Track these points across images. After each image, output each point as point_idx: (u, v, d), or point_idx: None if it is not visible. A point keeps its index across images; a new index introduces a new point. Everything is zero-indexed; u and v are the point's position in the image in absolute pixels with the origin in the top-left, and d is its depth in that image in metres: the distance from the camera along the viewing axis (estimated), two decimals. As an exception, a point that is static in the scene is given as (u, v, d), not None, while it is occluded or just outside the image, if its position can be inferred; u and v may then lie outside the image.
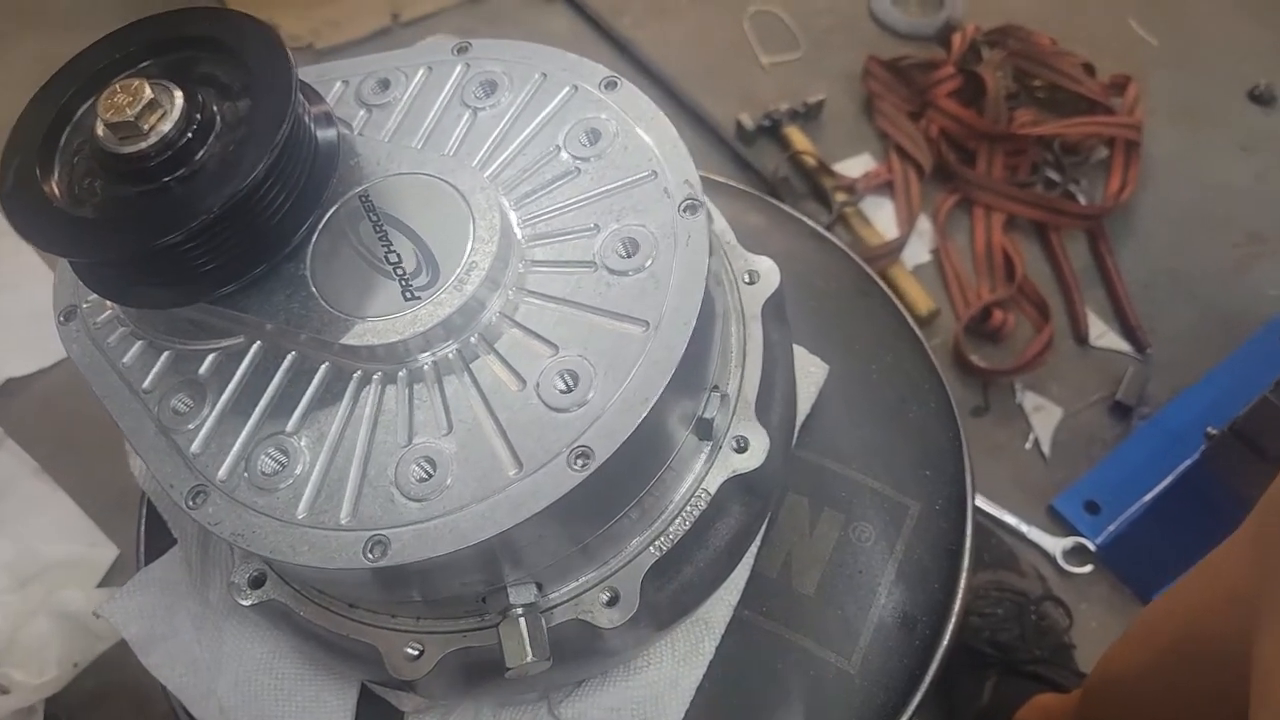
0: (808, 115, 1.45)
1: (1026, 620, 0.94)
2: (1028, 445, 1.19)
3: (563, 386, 0.36)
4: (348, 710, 0.46)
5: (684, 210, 0.39)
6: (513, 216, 0.40)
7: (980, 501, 1.13)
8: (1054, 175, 1.38)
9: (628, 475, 0.38)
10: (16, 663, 0.90)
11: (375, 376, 0.38)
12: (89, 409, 1.19)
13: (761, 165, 1.39)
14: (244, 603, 0.43)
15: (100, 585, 0.99)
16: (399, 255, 0.39)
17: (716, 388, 0.42)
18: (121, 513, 1.05)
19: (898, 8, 1.58)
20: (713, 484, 0.42)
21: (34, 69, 1.49)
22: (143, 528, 0.52)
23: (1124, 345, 1.25)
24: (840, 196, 1.36)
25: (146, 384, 0.39)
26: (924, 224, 1.36)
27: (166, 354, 0.40)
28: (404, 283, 0.38)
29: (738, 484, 0.43)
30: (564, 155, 0.41)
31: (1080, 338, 1.26)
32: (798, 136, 1.41)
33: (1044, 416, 1.21)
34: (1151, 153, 1.42)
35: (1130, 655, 0.60)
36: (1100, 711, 0.66)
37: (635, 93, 0.43)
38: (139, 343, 0.41)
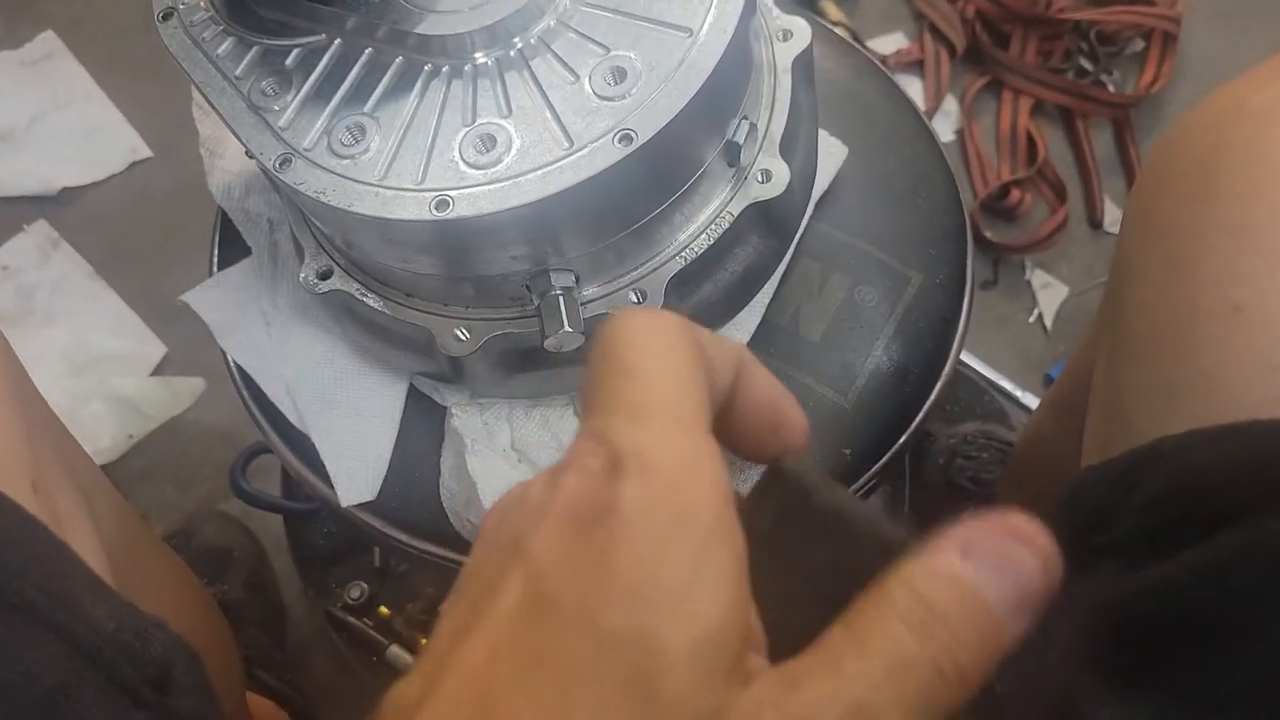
0: (846, -10, 1.45)
1: (1009, 465, 0.99)
2: (1031, 319, 1.23)
3: (611, 80, 0.41)
4: (398, 399, 0.52)
5: (729, -62, 0.43)
6: (573, -62, 0.44)
7: (978, 365, 1.18)
8: (1087, 64, 1.39)
9: (662, 172, 0.43)
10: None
11: (444, 70, 0.43)
12: (136, 226, 1.25)
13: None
14: (317, 291, 0.48)
15: (150, 375, 1.06)
16: (469, -38, 0.43)
17: (746, 118, 0.46)
18: (167, 319, 1.12)
19: (945, -112, 1.56)
20: (736, 207, 0.47)
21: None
22: (216, 249, 0.58)
23: (1137, 233, 1.28)
24: (871, 71, 1.38)
25: (239, 72, 0.44)
26: (950, 105, 1.38)
27: (255, 49, 0.45)
28: (474, -16, 0.42)
29: (757, 213, 0.48)
30: (622, -111, 0.45)
31: (1095, 223, 1.29)
32: (832, 9, 1.43)
33: (1050, 294, 1.25)
34: (1188, 50, 1.42)
35: (1021, 439, 0.67)
36: (1018, 470, 0.73)
37: None
38: (230, 39, 0.45)
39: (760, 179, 0.47)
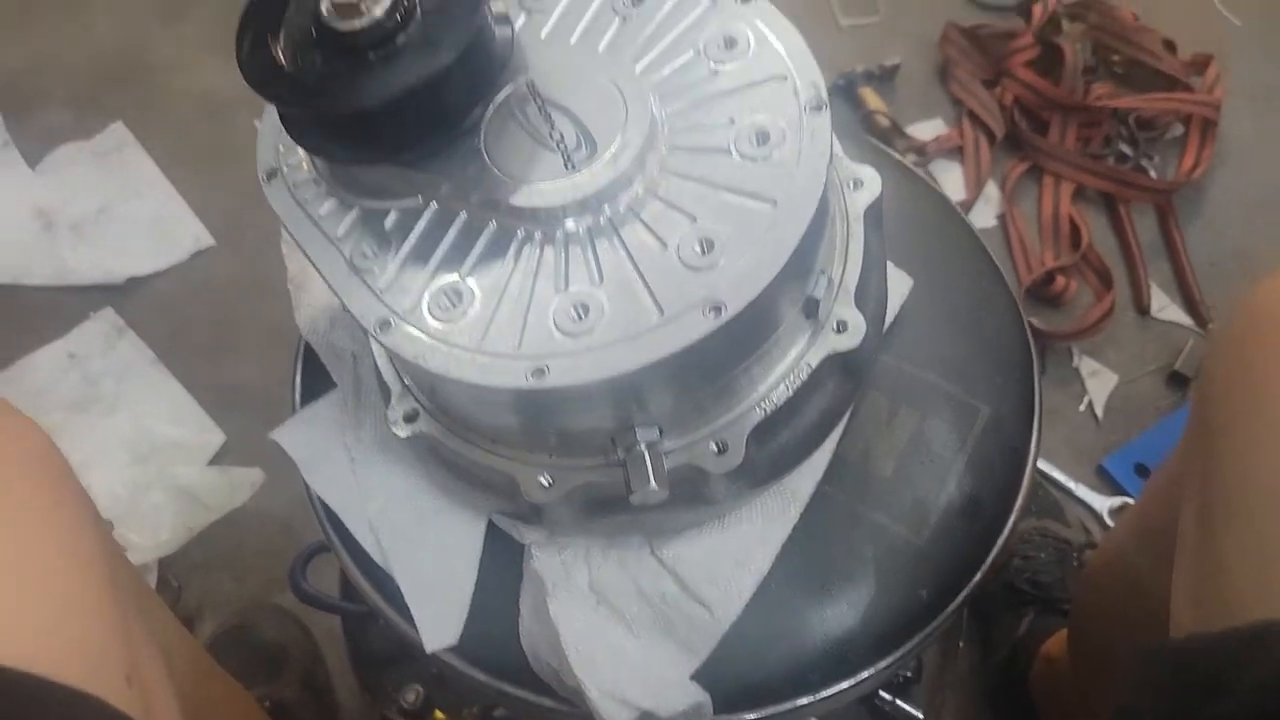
0: (883, 78, 1.48)
1: (1068, 565, 0.98)
2: (1081, 408, 1.22)
3: (700, 250, 0.42)
4: (477, 537, 0.53)
5: (810, 109, 0.45)
6: (658, 107, 0.46)
7: (1031, 455, 1.17)
8: (1127, 149, 1.41)
9: (746, 336, 0.44)
10: (134, 527, 0.99)
11: (536, 236, 0.44)
12: (198, 314, 1.28)
13: (835, 123, 1.43)
14: (400, 434, 0.50)
15: (209, 464, 1.08)
16: (561, 133, 0.45)
17: (824, 272, 0.48)
18: (227, 406, 1.15)
19: (982, -23, 1.59)
20: (814, 358, 0.48)
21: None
22: (299, 377, 0.60)
23: (1185, 319, 1.28)
24: (911, 158, 1.40)
25: (339, 232, 0.46)
26: (991, 190, 1.39)
27: (355, 210, 0.47)
28: (565, 156, 0.44)
29: (835, 362, 0.49)
30: (704, 58, 0.47)
31: (1141, 309, 1.29)
32: (872, 97, 1.45)
33: (1100, 381, 1.24)
34: (1229, 133, 1.43)
35: (1099, 555, 0.66)
36: (1094, 586, 0.72)
37: (768, 7, 0.48)
38: (331, 199, 0.47)
39: (837, 329, 0.49)
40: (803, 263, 0.45)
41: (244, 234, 1.27)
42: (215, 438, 1.11)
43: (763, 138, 0.44)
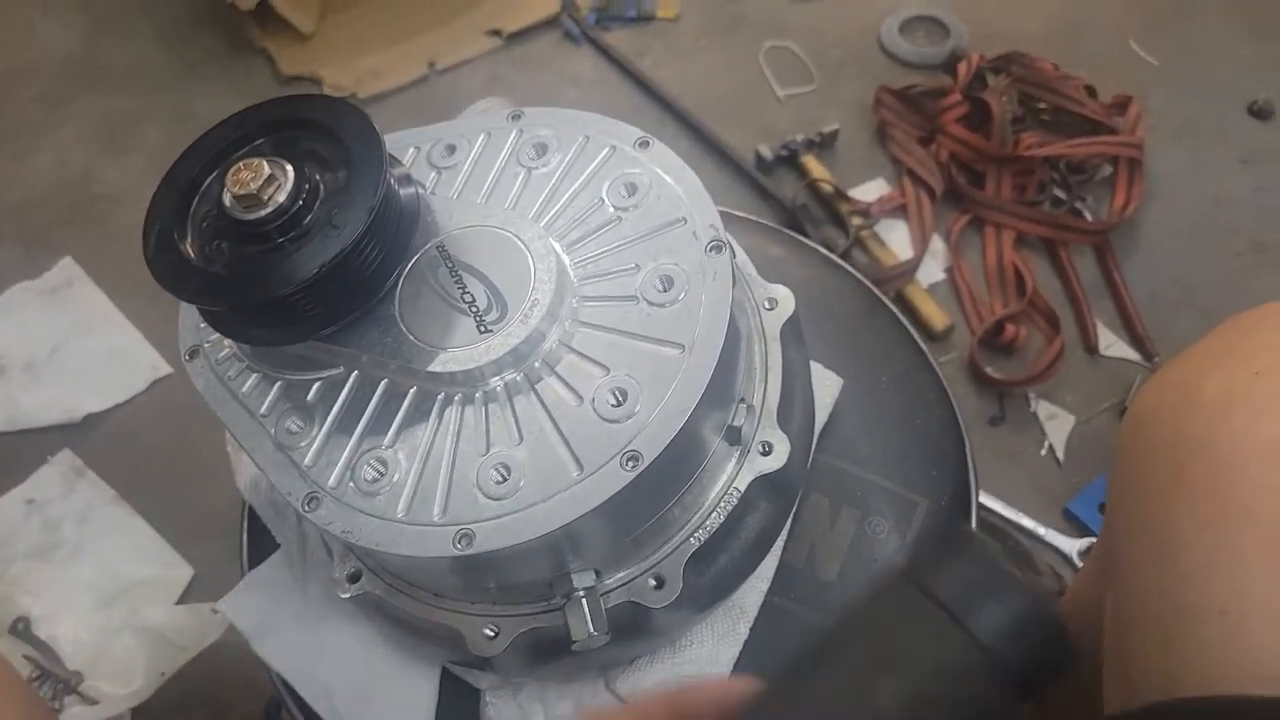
0: (823, 144, 1.52)
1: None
2: (1042, 452, 1.24)
3: (614, 401, 0.43)
4: (432, 687, 0.53)
5: (710, 250, 0.46)
6: (566, 259, 0.47)
7: (997, 505, 1.19)
8: (1060, 194, 1.45)
9: (670, 475, 0.45)
10: (104, 675, 0.98)
11: (456, 398, 0.45)
12: (159, 444, 1.27)
13: (781, 193, 1.46)
14: (343, 595, 0.50)
15: (178, 602, 1.07)
16: (473, 295, 0.46)
17: (743, 400, 0.49)
18: (193, 537, 1.14)
19: (905, 39, 1.65)
20: (742, 483, 0.49)
21: (97, 123, 1.60)
22: (245, 537, 0.60)
23: (1133, 354, 1.30)
24: (856, 220, 1.43)
25: (263, 409, 0.47)
26: (937, 244, 1.43)
27: (278, 384, 0.48)
28: (478, 318, 0.45)
29: (764, 483, 0.50)
30: (607, 206, 0.49)
31: (1090, 348, 1.32)
32: (814, 165, 1.49)
33: (1058, 424, 1.26)
34: (1155, 169, 1.47)
35: (1077, 583, 0.67)
36: None
37: (665, 150, 0.50)
38: (254, 375, 0.48)
39: (762, 451, 0.50)
40: (719, 397, 0.46)
41: (200, 359, 1.27)
42: (183, 572, 1.10)
43: (667, 283, 0.46)
